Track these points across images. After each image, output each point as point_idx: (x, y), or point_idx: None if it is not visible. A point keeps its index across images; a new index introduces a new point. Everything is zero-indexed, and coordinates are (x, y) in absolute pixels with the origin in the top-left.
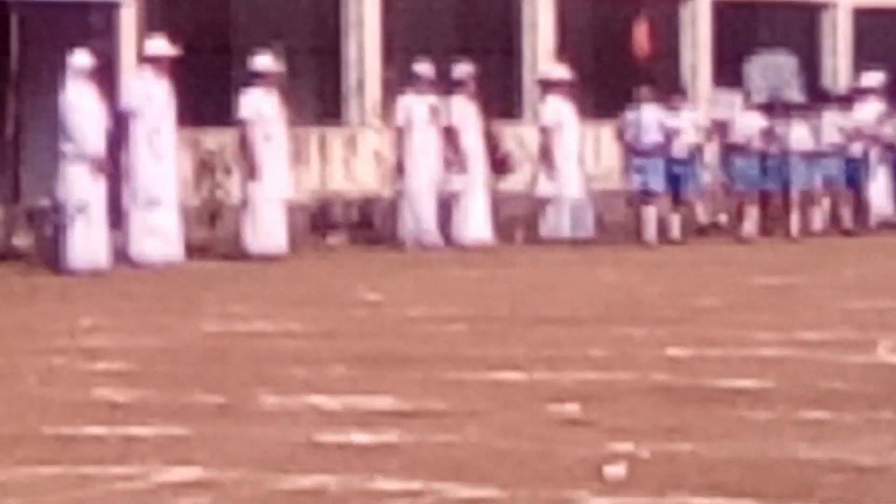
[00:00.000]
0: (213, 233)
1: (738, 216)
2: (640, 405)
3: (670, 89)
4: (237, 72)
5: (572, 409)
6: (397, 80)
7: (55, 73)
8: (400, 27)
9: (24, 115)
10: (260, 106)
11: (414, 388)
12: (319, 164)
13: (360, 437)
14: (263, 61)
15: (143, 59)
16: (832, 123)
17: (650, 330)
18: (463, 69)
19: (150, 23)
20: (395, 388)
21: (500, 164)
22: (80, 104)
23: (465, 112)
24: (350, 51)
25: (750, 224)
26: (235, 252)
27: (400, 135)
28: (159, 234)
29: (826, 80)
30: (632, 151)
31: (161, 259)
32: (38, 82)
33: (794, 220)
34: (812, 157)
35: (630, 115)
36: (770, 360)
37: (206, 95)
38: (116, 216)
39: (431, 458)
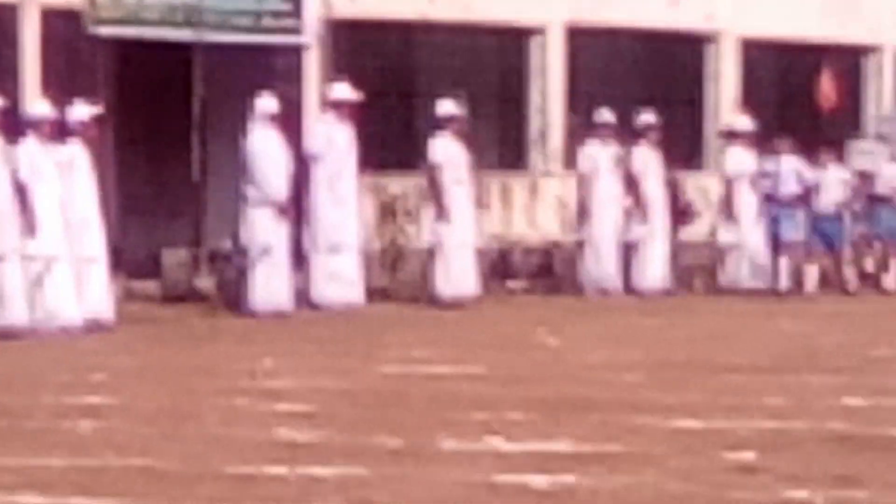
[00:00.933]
0: (395, 277)
1: (884, 267)
2: (816, 453)
3: (817, 144)
4: (420, 117)
5: (748, 456)
6: (581, 127)
7: (239, 117)
8: (584, 75)
9: (207, 158)
10: (449, 150)
11: (592, 432)
12: (501, 211)
13: (537, 481)
14: (450, 106)
15: (327, 103)
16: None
17: (826, 379)
18: (646, 118)
19: (335, 67)
20: (574, 433)
21: (681, 214)
22: (265, 148)
23: (647, 160)
24: (533, 98)
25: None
26: (417, 296)
27: (583, 182)
28: (341, 278)
29: None
30: (770, 202)
31: (342, 302)
32: (221, 125)
33: None
34: None
35: (767, 166)
36: None
37: (389, 140)
38: (299, 259)
39: (608, 501)
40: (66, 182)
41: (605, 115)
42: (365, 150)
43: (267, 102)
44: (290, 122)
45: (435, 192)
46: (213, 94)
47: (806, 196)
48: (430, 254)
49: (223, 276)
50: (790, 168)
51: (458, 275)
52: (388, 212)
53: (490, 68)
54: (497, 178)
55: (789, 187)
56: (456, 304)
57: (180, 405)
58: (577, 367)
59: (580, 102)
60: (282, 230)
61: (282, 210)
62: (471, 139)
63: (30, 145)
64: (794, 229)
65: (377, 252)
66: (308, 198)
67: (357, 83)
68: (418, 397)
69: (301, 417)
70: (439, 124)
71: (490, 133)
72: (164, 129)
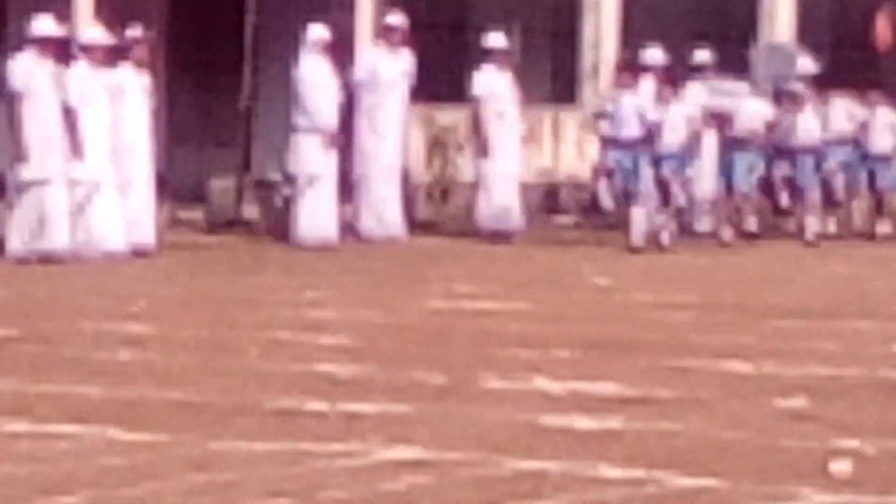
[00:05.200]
0: (443, 210)
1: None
2: (868, 401)
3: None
4: (473, 49)
5: (799, 402)
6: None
7: (290, 45)
8: (639, 10)
9: (257, 87)
10: (492, 84)
11: (639, 374)
12: (552, 146)
13: (583, 423)
14: (497, 39)
15: (378, 31)
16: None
17: (880, 325)
18: (700, 56)
19: None
20: (621, 375)
21: None
22: (315, 77)
23: (700, 99)
24: (587, 33)
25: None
26: (465, 229)
27: None
28: (385, 210)
29: None
30: (608, 143)
31: (387, 235)
32: (272, 53)
33: None
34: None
35: (609, 105)
36: None
37: (440, 72)
38: (346, 190)
39: (654, 446)
40: (116, 107)
41: (655, 54)
42: (416, 81)
43: (318, 31)
44: (341, 51)
45: (476, 126)
46: (265, 22)
47: (648, 138)
48: (473, 187)
49: (269, 205)
50: (631, 106)
51: (499, 208)
52: (437, 144)
53: (544, 2)
54: (549, 112)
55: (631, 129)
56: (501, 238)
57: (221, 336)
58: (625, 307)
59: (633, 38)
60: (330, 160)
61: (330, 140)
62: (521, 73)
63: (81, 69)
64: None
65: (426, 184)
66: (356, 127)
67: (410, 14)
68: (463, 333)
69: (343, 351)
70: (487, 56)
71: (543, 67)
72: (215, 57)
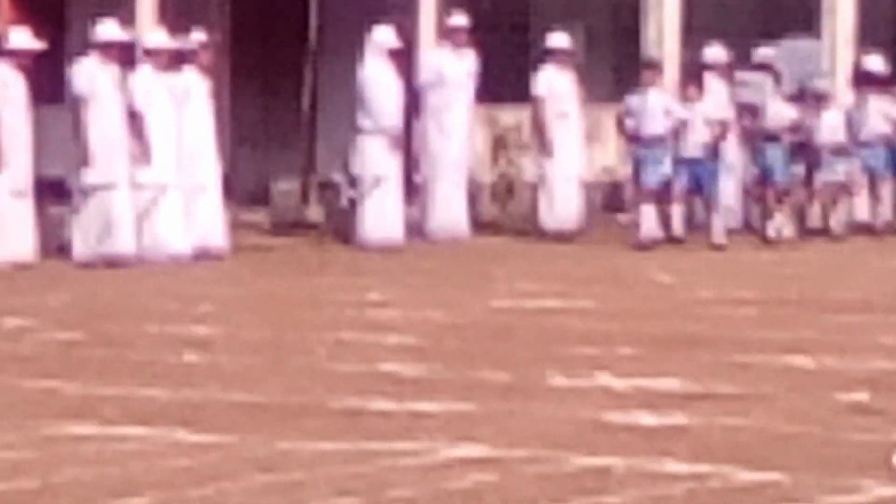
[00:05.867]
0: (506, 210)
1: (765, 213)
2: None
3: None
4: (535, 50)
5: (861, 396)
6: (694, 61)
7: (353, 48)
8: (701, 7)
9: (320, 89)
10: (553, 83)
11: (702, 370)
12: (616, 144)
13: (647, 419)
14: (558, 39)
15: (444, 30)
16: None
17: None
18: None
19: None
20: (684, 371)
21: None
22: (379, 79)
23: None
24: (649, 31)
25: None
26: (528, 229)
27: None
28: (448, 210)
29: None
30: (633, 140)
31: (452, 235)
32: (334, 55)
33: None
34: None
35: (634, 102)
36: None
37: (503, 72)
38: (411, 191)
39: (718, 441)
40: (180, 110)
41: (716, 52)
42: (479, 81)
43: (384, 35)
44: (404, 53)
45: (537, 126)
46: (327, 23)
47: (673, 134)
48: (534, 187)
49: (333, 206)
50: (658, 104)
51: (561, 208)
52: (500, 144)
53: (606, 0)
54: (611, 110)
55: (657, 126)
56: (562, 237)
57: (286, 337)
58: (688, 303)
59: (695, 35)
60: (394, 161)
61: (395, 141)
62: (583, 71)
63: (145, 74)
64: (657, 173)
65: (489, 184)
66: (420, 128)
67: (472, 15)
68: (526, 332)
69: (407, 351)
70: (549, 56)
71: (605, 65)
72: (278, 59)
